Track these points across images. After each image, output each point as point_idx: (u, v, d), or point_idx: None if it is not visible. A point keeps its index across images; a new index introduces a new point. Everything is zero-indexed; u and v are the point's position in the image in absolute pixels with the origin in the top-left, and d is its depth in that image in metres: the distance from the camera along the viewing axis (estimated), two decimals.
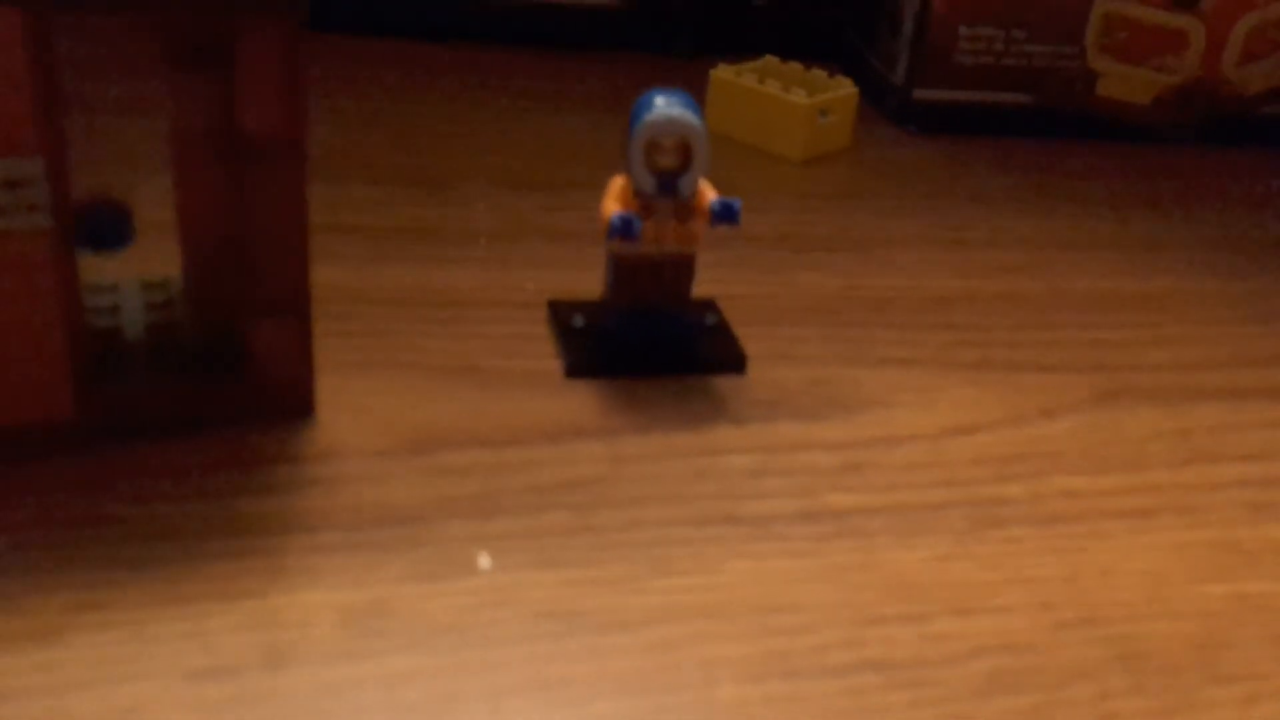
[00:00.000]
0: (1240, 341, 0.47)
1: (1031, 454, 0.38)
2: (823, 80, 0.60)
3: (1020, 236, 0.53)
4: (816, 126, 0.58)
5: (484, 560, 0.31)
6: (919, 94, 0.63)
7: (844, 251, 0.50)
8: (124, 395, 0.34)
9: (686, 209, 0.38)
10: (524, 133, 0.57)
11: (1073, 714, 0.29)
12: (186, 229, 0.34)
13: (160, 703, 0.26)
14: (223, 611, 0.29)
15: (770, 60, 0.61)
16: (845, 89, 0.59)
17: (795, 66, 0.61)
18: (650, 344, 0.40)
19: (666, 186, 0.38)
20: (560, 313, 0.41)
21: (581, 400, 0.38)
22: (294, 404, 0.35)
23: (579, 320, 0.41)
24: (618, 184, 0.38)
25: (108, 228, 0.32)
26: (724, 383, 0.40)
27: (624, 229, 0.37)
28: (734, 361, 0.41)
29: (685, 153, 0.38)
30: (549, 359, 0.40)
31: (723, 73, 0.59)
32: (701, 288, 0.41)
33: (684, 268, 0.40)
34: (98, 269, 0.34)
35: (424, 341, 0.40)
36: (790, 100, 0.57)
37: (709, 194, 0.38)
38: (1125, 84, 0.64)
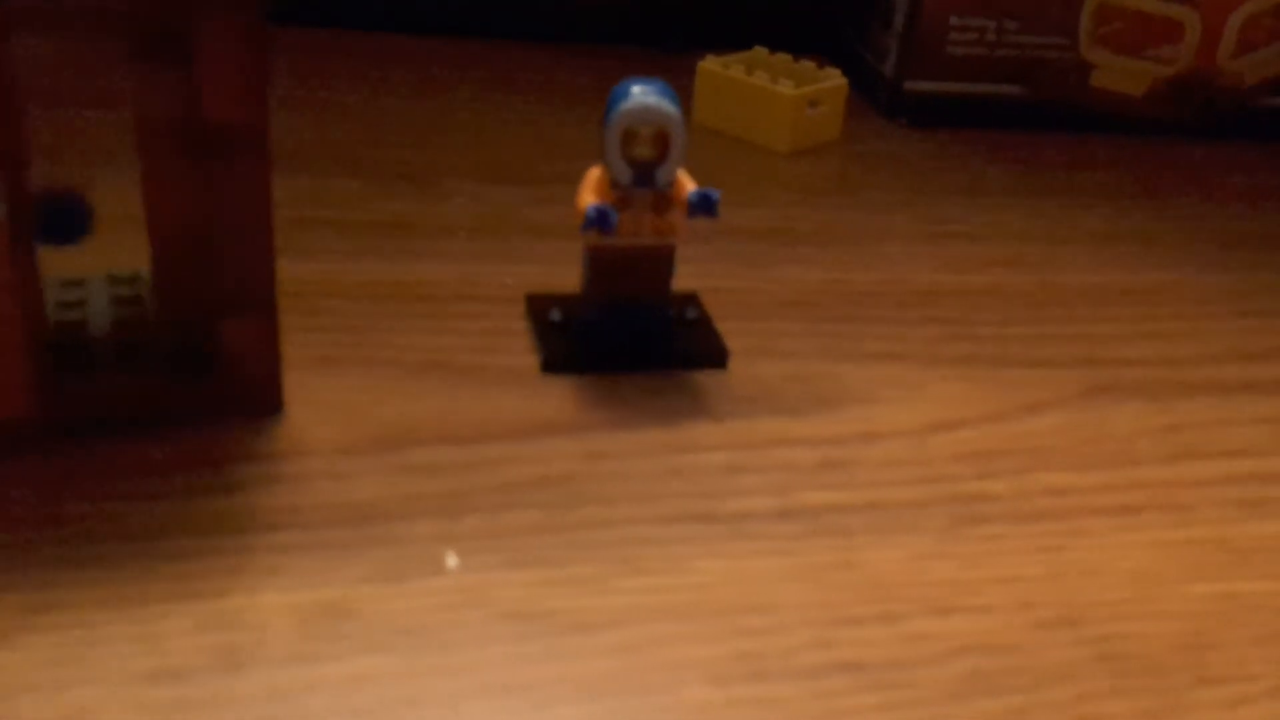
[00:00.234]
0: (1231, 336, 0.46)
1: (1016, 450, 0.38)
2: (812, 71, 0.59)
3: (1011, 230, 0.52)
4: (804, 118, 0.57)
5: (451, 560, 0.31)
6: (910, 86, 0.62)
7: (830, 245, 0.49)
8: (88, 391, 0.33)
9: (664, 200, 0.38)
10: (507, 127, 0.57)
11: (1053, 717, 0.28)
12: (154, 223, 0.33)
13: (108, 706, 0.25)
14: (180, 613, 0.28)
15: (759, 51, 0.60)
16: (834, 80, 0.59)
17: (784, 58, 0.60)
18: (629, 338, 0.39)
19: (643, 177, 0.37)
20: (537, 307, 0.41)
21: (557, 396, 0.37)
22: (262, 401, 0.35)
23: (556, 314, 0.40)
24: (594, 175, 0.38)
25: (63, 220, 0.31)
26: (704, 378, 0.39)
27: (600, 221, 0.37)
28: (715, 356, 0.40)
29: (663, 143, 0.37)
30: (526, 355, 0.39)
31: (710, 64, 0.59)
32: (684, 281, 0.40)
33: (663, 260, 0.39)
34: (66, 264, 0.33)
35: (398, 337, 0.39)
36: (777, 91, 0.57)
37: (687, 185, 0.38)
38: (1119, 75, 0.64)
